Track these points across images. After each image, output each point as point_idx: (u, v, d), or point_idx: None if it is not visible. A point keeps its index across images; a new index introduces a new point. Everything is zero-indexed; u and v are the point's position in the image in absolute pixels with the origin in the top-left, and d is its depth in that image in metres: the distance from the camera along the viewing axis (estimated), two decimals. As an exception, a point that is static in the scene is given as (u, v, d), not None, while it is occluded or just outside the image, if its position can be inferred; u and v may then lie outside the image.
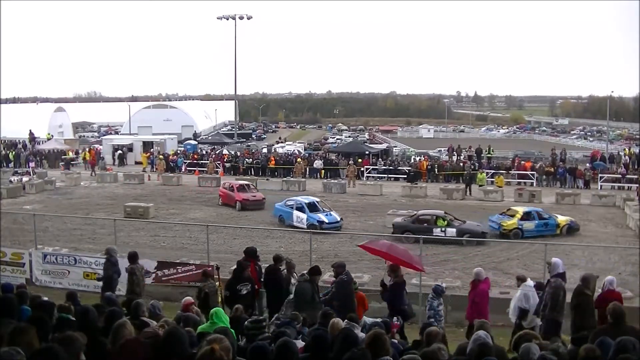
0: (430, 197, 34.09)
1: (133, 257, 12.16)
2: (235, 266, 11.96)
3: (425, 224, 23.67)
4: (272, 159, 44.71)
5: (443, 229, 23.21)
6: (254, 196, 30.70)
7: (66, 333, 4.60)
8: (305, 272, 10.89)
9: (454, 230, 23.25)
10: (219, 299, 11.48)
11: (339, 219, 25.62)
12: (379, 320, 8.80)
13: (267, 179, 39.21)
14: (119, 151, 49.67)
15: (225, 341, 4.34)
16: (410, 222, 23.96)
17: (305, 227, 24.48)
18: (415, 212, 25.30)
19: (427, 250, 21.26)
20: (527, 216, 24.50)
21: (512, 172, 39.99)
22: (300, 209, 25.90)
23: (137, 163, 48.47)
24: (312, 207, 26.03)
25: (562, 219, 24.96)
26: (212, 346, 4.07)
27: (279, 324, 7.84)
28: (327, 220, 25.16)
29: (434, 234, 22.79)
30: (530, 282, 11.06)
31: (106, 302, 7.95)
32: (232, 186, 31.38)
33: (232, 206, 30.03)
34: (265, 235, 23.31)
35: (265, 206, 29.94)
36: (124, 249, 18.39)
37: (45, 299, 6.99)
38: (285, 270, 11.71)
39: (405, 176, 40.45)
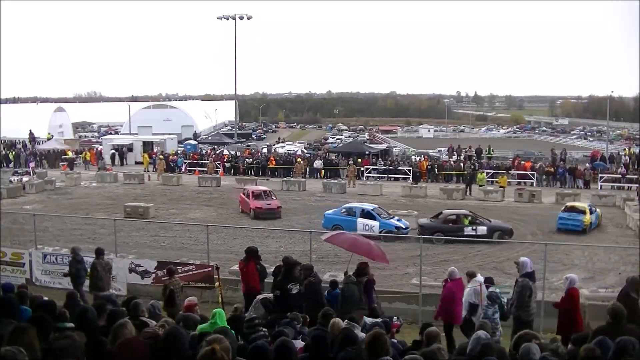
0: (430, 197, 34.09)
1: (98, 252, 13.00)
2: (273, 266, 11.95)
3: (454, 224, 23.73)
4: (272, 159, 44.71)
5: (474, 228, 23.30)
6: (269, 204, 28.23)
7: (66, 333, 4.61)
8: (351, 273, 10.70)
9: (485, 228, 23.35)
10: (219, 300, 11.50)
11: (408, 224, 24.61)
12: (379, 320, 8.80)
13: (267, 179, 39.21)
14: (112, 151, 49.64)
15: (225, 341, 4.34)
16: (441, 223, 23.80)
17: (376, 234, 23.07)
18: (441, 212, 25.12)
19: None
20: (590, 210, 25.53)
21: (512, 172, 39.98)
22: (367, 215, 24.47)
23: (137, 163, 48.44)
24: (372, 214, 24.62)
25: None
26: (213, 346, 4.07)
27: (280, 323, 7.83)
28: (403, 226, 24.17)
29: (466, 233, 22.95)
30: (480, 278, 11.23)
31: (107, 302, 7.95)
32: (249, 192, 29.31)
33: (248, 214, 28.35)
34: (265, 235, 23.31)
35: (286, 214, 28.54)
36: (124, 249, 18.47)
37: (46, 298, 6.99)
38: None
39: (409, 176, 40.53)
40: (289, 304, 9.88)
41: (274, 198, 29.20)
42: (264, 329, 7.11)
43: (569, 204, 26.71)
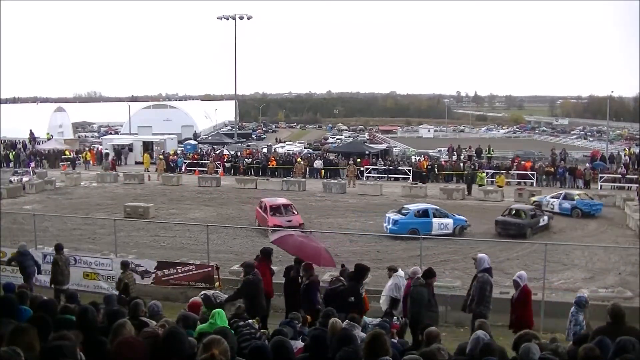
0: (431, 197, 34.07)
1: (58, 248, 13.43)
2: (338, 270, 11.84)
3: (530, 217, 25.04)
4: (272, 159, 44.71)
5: (544, 219, 25.87)
6: (289, 221, 24.22)
7: (61, 332, 4.60)
8: (419, 275, 10.52)
9: (546, 218, 26.22)
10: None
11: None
12: (378, 320, 8.81)
13: (267, 179, 39.22)
14: (106, 151, 49.76)
15: (224, 342, 4.33)
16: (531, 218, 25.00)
17: (450, 232, 24.29)
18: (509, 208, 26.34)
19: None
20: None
21: (512, 172, 39.98)
22: (440, 215, 24.84)
23: (137, 163, 48.44)
24: (443, 212, 25.31)
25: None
26: (212, 352, 4.05)
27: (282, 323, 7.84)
28: (467, 222, 25.41)
29: (540, 224, 25.36)
30: (401, 273, 11.48)
31: (107, 302, 7.97)
32: (266, 206, 25.54)
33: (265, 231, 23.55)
34: (265, 234, 23.29)
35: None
36: (124, 249, 18.49)
37: (46, 298, 7.00)
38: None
39: (409, 176, 40.54)
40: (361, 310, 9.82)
41: (295, 212, 25.56)
42: (252, 332, 7.10)
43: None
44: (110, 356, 4.66)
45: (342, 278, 11.19)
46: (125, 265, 12.78)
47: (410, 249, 21.29)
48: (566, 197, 29.51)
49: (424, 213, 24.83)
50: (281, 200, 26.67)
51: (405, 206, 26.29)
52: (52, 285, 13.60)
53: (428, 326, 7.04)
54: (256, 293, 10.54)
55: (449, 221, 24.50)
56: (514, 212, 25.55)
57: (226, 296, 10.51)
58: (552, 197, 29.92)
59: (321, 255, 11.38)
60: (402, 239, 23.27)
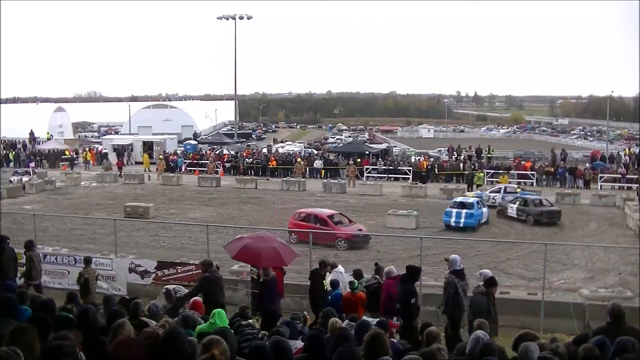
0: (430, 197, 34.10)
1: (29, 245, 13.35)
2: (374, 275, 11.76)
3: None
4: (272, 159, 44.71)
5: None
6: (360, 230, 22.84)
7: (60, 332, 4.60)
8: (481, 283, 10.29)
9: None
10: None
11: None
12: (376, 320, 8.79)
13: (267, 179, 39.22)
14: (106, 151, 49.83)
15: (223, 343, 4.33)
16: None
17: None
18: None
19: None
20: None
21: (512, 172, 40.00)
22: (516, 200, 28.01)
23: (137, 163, 48.43)
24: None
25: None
26: (212, 352, 4.04)
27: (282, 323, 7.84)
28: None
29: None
30: (340, 269, 11.73)
31: (107, 302, 7.97)
32: (318, 217, 23.12)
33: (331, 245, 21.30)
34: (265, 235, 23.25)
35: (286, 214, 26.45)
36: (124, 249, 18.47)
37: (45, 298, 7.00)
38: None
39: (409, 176, 40.56)
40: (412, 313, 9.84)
41: (352, 221, 24.19)
42: (254, 332, 7.10)
43: (458, 199, 27.54)
44: (109, 357, 4.66)
45: (377, 276, 11.17)
46: (87, 261, 13.10)
47: (410, 248, 21.25)
48: (507, 192, 30.24)
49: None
50: (329, 211, 24.61)
51: (467, 199, 27.14)
52: (23, 280, 13.35)
53: (428, 326, 7.04)
54: (213, 289, 10.75)
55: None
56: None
57: (187, 291, 10.72)
58: (492, 192, 30.49)
59: (262, 255, 10.99)
60: (401, 238, 23.27)
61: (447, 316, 10.38)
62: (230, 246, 11.54)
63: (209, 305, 9.36)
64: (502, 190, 30.56)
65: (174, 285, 11.31)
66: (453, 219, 25.33)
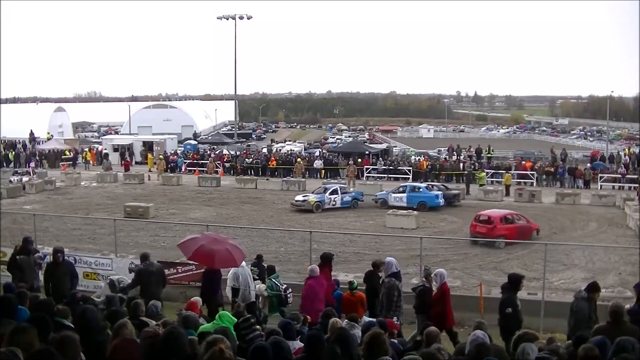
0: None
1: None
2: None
3: None
4: (272, 159, 44.72)
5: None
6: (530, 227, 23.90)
7: (63, 333, 4.60)
8: (582, 288, 9.88)
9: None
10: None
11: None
12: (374, 320, 8.80)
13: (267, 179, 39.22)
14: (106, 151, 49.87)
15: (227, 341, 4.35)
16: None
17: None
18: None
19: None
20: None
21: (512, 172, 39.99)
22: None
23: (136, 163, 48.41)
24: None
25: None
26: (220, 346, 4.07)
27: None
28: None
29: None
30: (243, 264, 11.97)
31: (108, 302, 7.98)
32: (489, 217, 23.55)
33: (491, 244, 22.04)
34: (265, 235, 23.31)
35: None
36: (124, 249, 18.47)
37: (43, 298, 7.00)
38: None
39: (410, 176, 40.61)
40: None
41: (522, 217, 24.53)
42: (259, 328, 7.12)
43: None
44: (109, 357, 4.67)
45: (424, 279, 11.18)
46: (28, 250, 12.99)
47: (410, 249, 21.25)
48: (344, 192, 30.97)
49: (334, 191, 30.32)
50: (504, 211, 25.07)
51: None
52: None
53: (428, 326, 7.04)
54: (149, 281, 10.93)
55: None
56: None
57: (130, 282, 11.01)
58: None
59: (216, 257, 11.07)
60: (401, 238, 23.28)
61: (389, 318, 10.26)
62: (184, 246, 11.56)
63: (145, 296, 9.64)
64: (339, 192, 30.73)
65: (118, 276, 11.59)
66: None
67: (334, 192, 30.43)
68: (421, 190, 30.58)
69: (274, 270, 12.86)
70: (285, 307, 12.05)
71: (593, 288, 9.40)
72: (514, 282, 9.93)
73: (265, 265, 13.62)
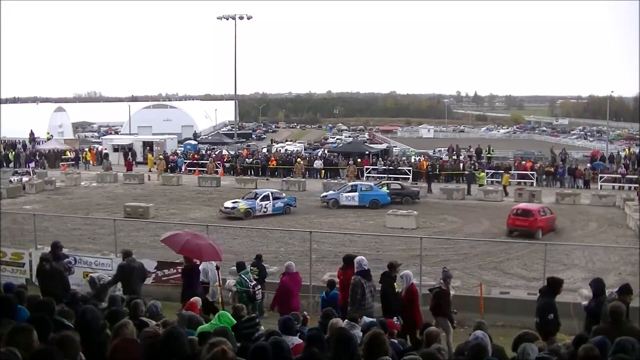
0: (430, 196, 34.11)
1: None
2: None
3: None
4: (272, 159, 44.72)
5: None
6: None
7: (63, 333, 4.60)
8: (614, 290, 9.57)
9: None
10: (219, 300, 11.55)
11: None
12: (374, 320, 8.79)
13: (267, 179, 39.20)
14: (106, 151, 49.90)
15: (228, 342, 4.36)
16: None
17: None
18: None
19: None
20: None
21: (512, 172, 39.99)
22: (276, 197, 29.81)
23: (138, 164, 48.39)
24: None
25: None
26: (222, 347, 4.08)
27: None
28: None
29: None
30: (214, 264, 12.26)
31: (110, 302, 7.97)
32: (524, 210, 25.41)
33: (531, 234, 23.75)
34: (265, 235, 23.31)
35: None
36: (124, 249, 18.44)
37: (43, 298, 6.99)
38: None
39: (410, 176, 40.63)
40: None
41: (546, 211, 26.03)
42: (262, 327, 7.13)
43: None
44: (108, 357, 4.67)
45: (442, 281, 11.16)
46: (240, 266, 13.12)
47: (410, 249, 21.26)
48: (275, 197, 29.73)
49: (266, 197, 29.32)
50: (538, 205, 27.43)
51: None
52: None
53: (428, 326, 7.04)
54: (130, 278, 11.10)
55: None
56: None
57: (110, 279, 11.01)
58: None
59: (203, 251, 11.49)
60: (401, 238, 23.29)
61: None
62: (170, 241, 11.78)
63: (127, 293, 9.78)
64: (270, 198, 29.31)
65: (97, 273, 11.58)
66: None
67: (265, 198, 29.15)
68: (372, 189, 31.10)
69: (244, 266, 12.97)
70: (254, 303, 12.12)
71: (625, 290, 8.84)
72: (553, 286, 9.72)
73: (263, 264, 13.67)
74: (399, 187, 33.17)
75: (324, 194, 31.74)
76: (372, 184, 32.83)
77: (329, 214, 29.15)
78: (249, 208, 28.31)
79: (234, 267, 16.10)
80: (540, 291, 9.99)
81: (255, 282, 12.67)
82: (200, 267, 12.13)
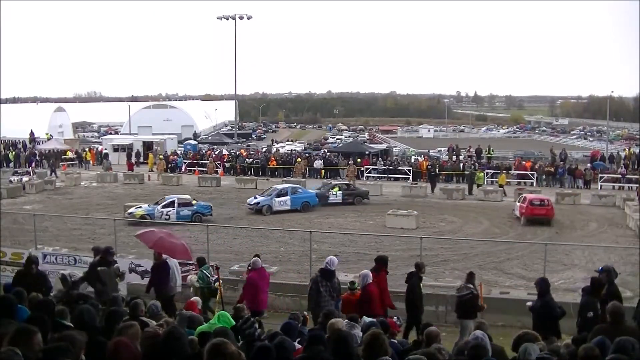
0: (430, 197, 34.09)
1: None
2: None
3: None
4: (272, 159, 44.71)
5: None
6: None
7: (65, 332, 4.60)
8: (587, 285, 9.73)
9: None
10: (219, 300, 11.52)
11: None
12: (374, 320, 8.78)
13: (267, 179, 39.19)
14: (106, 151, 50.00)
15: (231, 345, 4.35)
16: None
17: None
18: None
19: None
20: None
21: (512, 172, 39.98)
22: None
23: (140, 163, 48.38)
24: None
25: None
26: (231, 351, 4.07)
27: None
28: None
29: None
30: (175, 260, 12.59)
31: (113, 302, 7.96)
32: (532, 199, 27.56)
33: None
34: (265, 235, 23.30)
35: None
36: (124, 249, 18.44)
37: (42, 298, 6.99)
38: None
39: (410, 176, 40.57)
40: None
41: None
42: (258, 327, 7.12)
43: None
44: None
45: (470, 285, 11.11)
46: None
47: (410, 249, 21.24)
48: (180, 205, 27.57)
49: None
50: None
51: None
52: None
53: (428, 326, 7.04)
54: (105, 277, 11.17)
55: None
56: None
57: (81, 276, 11.16)
58: (164, 207, 27.22)
59: (176, 249, 12.13)
60: (401, 238, 23.28)
61: (312, 314, 10.05)
62: (144, 237, 12.50)
63: (104, 292, 9.90)
64: (175, 204, 27.43)
65: (69, 271, 11.63)
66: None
67: (170, 204, 27.26)
68: (301, 191, 31.06)
69: (204, 261, 13.04)
70: (216, 297, 12.06)
71: (595, 287, 9.00)
72: (596, 287, 9.57)
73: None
74: (345, 187, 33.33)
75: (254, 200, 29.63)
76: (297, 186, 32.32)
77: (328, 214, 29.15)
78: (147, 214, 26.36)
79: (234, 267, 16.20)
80: (583, 290, 9.92)
81: (216, 277, 12.64)
82: (170, 264, 12.40)
